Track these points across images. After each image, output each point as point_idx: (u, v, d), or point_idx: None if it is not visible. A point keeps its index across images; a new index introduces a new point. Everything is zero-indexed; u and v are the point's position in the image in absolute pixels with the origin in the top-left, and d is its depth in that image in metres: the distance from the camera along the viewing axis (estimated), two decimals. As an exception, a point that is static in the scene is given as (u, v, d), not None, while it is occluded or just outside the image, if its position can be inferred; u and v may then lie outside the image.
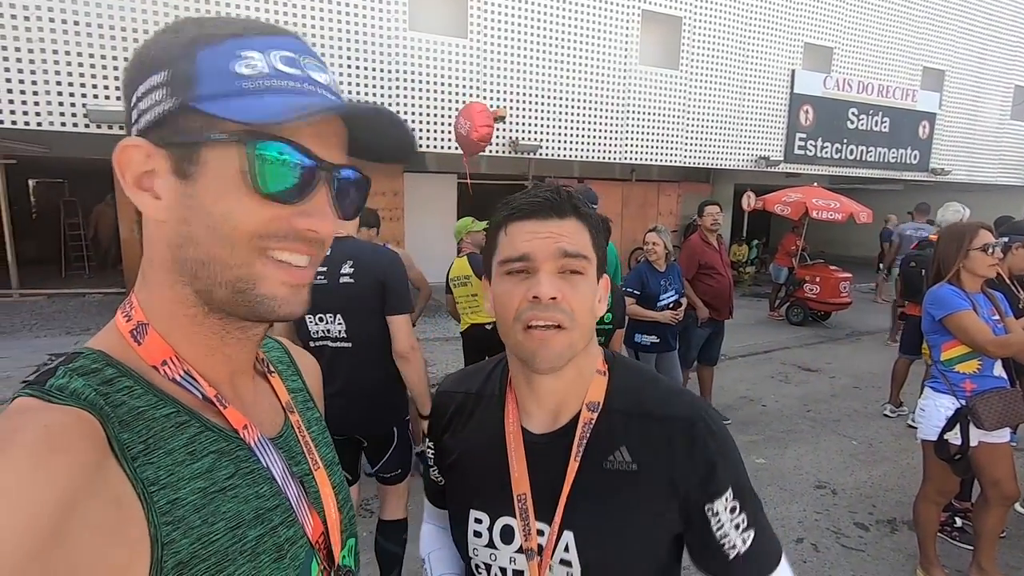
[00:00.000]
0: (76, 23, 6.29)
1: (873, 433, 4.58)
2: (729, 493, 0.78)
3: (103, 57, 6.43)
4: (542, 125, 8.95)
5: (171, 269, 0.51)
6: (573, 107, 9.14)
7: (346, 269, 2.07)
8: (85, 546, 0.40)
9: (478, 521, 0.84)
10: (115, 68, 6.47)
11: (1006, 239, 3.04)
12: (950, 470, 2.53)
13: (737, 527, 0.78)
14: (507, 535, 0.81)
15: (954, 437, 2.45)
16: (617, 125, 9.57)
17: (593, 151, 9.45)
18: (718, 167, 10.98)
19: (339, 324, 2.09)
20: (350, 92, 7.72)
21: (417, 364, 2.14)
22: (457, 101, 8.27)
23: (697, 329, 4.43)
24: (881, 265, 9.51)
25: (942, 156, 13.10)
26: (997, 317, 2.46)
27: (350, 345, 2.11)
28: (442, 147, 8.29)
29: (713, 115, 10.38)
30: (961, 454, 2.45)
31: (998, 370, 2.48)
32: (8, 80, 6.10)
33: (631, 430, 0.80)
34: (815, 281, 8.30)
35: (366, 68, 7.75)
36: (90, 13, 6.32)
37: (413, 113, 8.10)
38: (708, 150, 10.49)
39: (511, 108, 8.60)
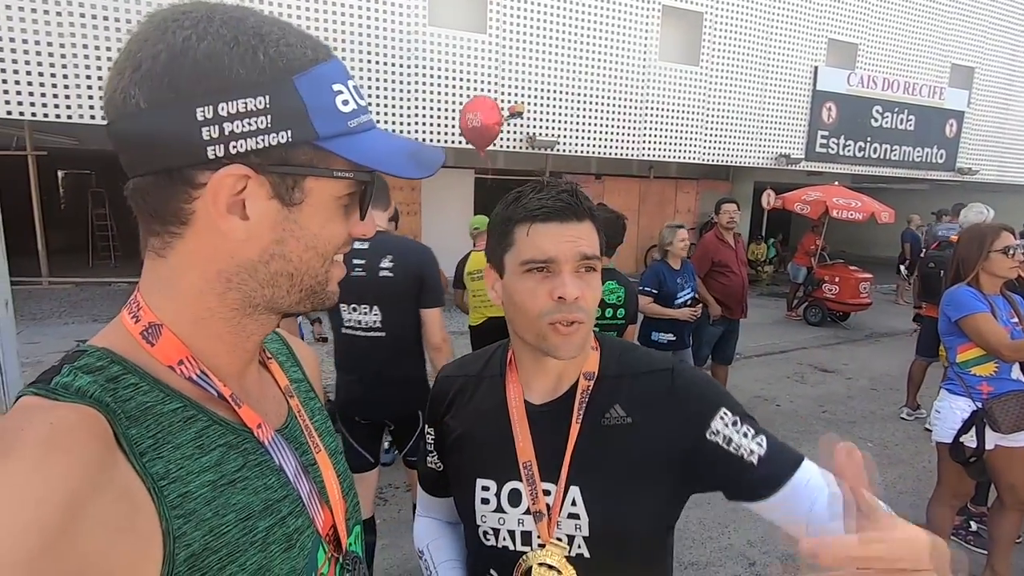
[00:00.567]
0: (106, 18, 6.45)
1: (889, 435, 4.53)
2: (723, 411, 0.83)
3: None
4: (560, 121, 8.94)
5: (222, 279, 0.53)
6: (591, 103, 9.11)
7: (385, 263, 2.16)
8: (96, 541, 0.41)
9: (485, 488, 0.89)
10: (142, 62, 6.62)
11: (1029, 241, 2.99)
12: (965, 473, 2.51)
13: (746, 435, 0.81)
14: (515, 498, 0.86)
15: (970, 440, 2.43)
16: (636, 121, 9.52)
17: (611, 147, 9.42)
18: (738, 164, 10.87)
19: (375, 315, 2.19)
20: (369, 87, 7.79)
21: (449, 355, 2.25)
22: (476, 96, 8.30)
23: (709, 327, 4.41)
24: (902, 267, 9.35)
25: (970, 155, 12.79)
26: (1016, 320, 2.43)
27: (384, 335, 2.21)
28: (460, 143, 8.33)
29: (733, 112, 10.27)
30: (976, 457, 2.42)
31: (1016, 373, 2.44)
32: (40, 74, 6.28)
33: (622, 389, 0.87)
34: (834, 281, 8.19)
35: (386, 63, 7.81)
36: (119, 8, 6.47)
37: (431, 108, 8.15)
38: (728, 147, 10.38)
39: (529, 104, 8.61)
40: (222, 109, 0.48)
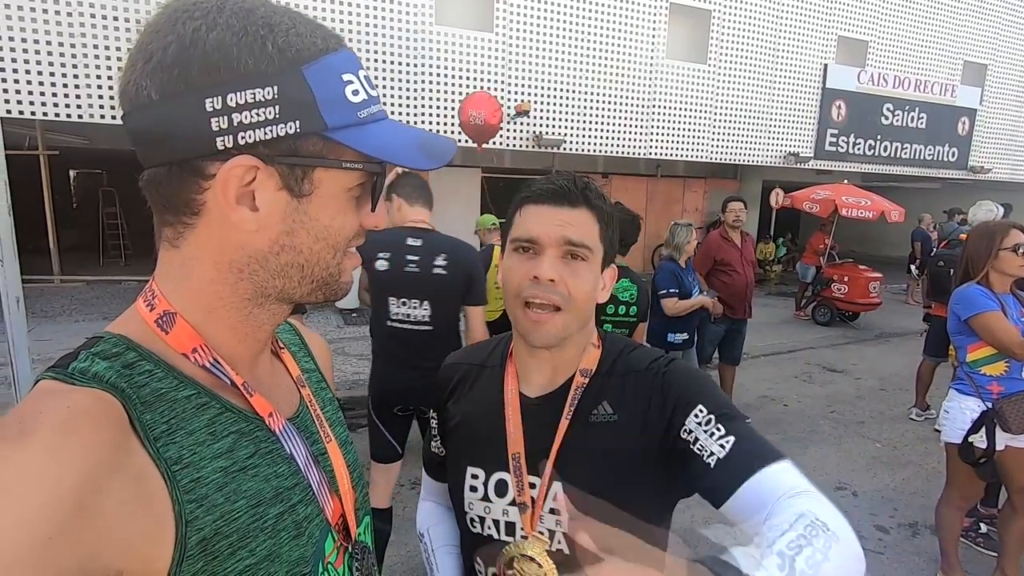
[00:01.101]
0: (115, 17, 6.50)
1: (898, 436, 4.49)
2: (699, 408, 0.78)
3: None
4: (567, 119, 8.93)
5: (234, 269, 0.54)
6: (598, 101, 9.08)
7: (439, 261, 2.28)
8: (111, 521, 0.42)
9: (474, 476, 0.90)
10: (152, 62, 6.67)
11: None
12: (974, 474, 2.48)
13: (712, 435, 0.76)
14: (501, 489, 0.87)
15: (979, 440, 2.40)
16: (643, 120, 9.48)
17: (618, 146, 9.39)
18: (746, 163, 10.80)
19: (424, 309, 2.29)
20: (376, 86, 7.80)
21: None
22: (482, 95, 8.30)
23: (711, 325, 4.38)
24: (912, 266, 9.26)
25: (982, 153, 12.64)
26: (1027, 319, 2.40)
27: (431, 328, 2.31)
28: (467, 141, 8.34)
29: (741, 110, 10.20)
30: (986, 458, 2.40)
31: (1027, 373, 2.42)
32: (52, 74, 6.34)
33: (614, 386, 0.86)
34: (843, 281, 8.12)
35: (393, 62, 7.82)
36: (128, 8, 6.52)
37: (438, 107, 8.16)
38: (736, 146, 10.32)
39: (536, 102, 8.59)
40: (231, 100, 0.48)
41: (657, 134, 9.65)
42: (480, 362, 0.98)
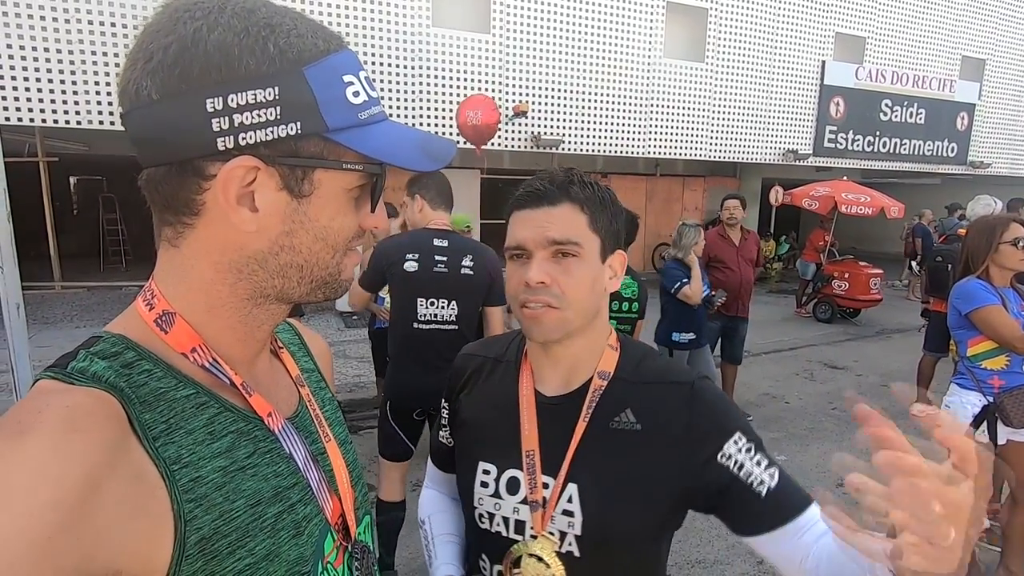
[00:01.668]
0: (114, 24, 6.52)
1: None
2: (738, 435, 0.80)
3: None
4: (565, 120, 8.93)
5: (233, 269, 0.54)
6: (596, 101, 9.08)
7: (467, 262, 2.35)
8: (111, 520, 0.42)
9: (486, 472, 0.89)
10: (150, 68, 6.69)
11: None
12: (976, 469, 2.48)
13: (759, 464, 0.78)
14: (512, 486, 0.86)
15: (981, 435, 2.40)
16: (641, 119, 9.48)
17: (617, 146, 9.39)
18: (745, 161, 10.80)
19: (451, 309, 2.35)
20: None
21: None
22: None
23: (707, 322, 4.39)
24: (913, 262, 9.26)
25: (982, 148, 12.63)
26: (1027, 313, 2.40)
27: (457, 328, 2.36)
28: (466, 142, 8.35)
29: (740, 108, 10.20)
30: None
31: (1028, 367, 2.41)
32: (51, 81, 6.36)
33: (637, 395, 0.85)
34: (844, 277, 8.11)
35: (390, 64, 7.83)
36: (127, 15, 6.54)
37: (436, 109, 8.16)
38: (734, 144, 10.32)
39: (533, 103, 8.60)
40: (232, 100, 0.48)
41: (656, 133, 9.65)
42: (496, 356, 0.98)
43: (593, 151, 9.31)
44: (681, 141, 9.88)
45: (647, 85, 9.42)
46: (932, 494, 0.44)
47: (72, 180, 14.52)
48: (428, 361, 2.33)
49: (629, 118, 9.38)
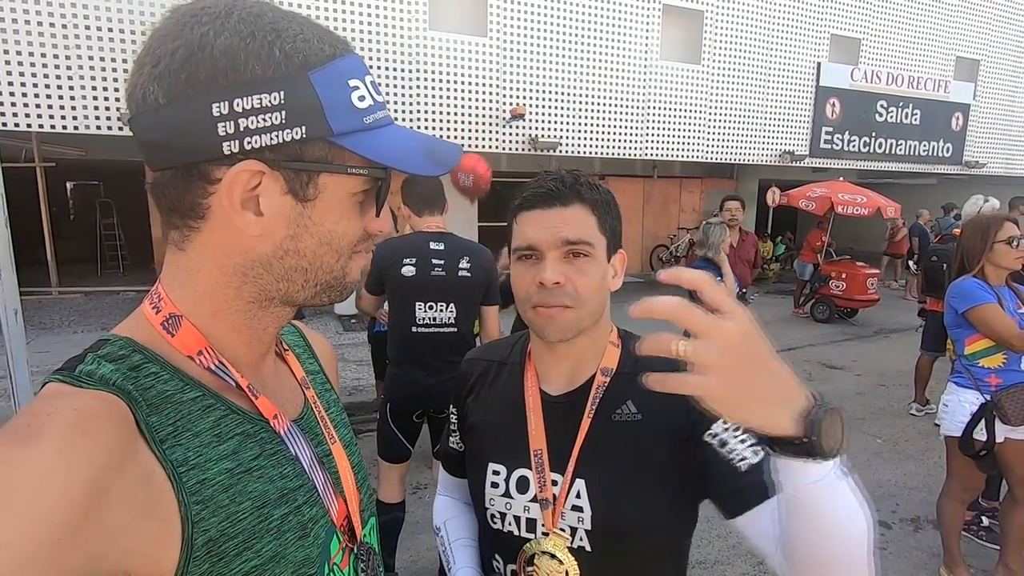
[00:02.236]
0: (111, 29, 6.52)
1: (899, 432, 4.50)
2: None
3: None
4: (562, 122, 8.95)
5: (238, 273, 0.54)
6: (593, 103, 9.11)
7: (464, 264, 2.34)
8: (119, 523, 0.42)
9: (496, 473, 0.90)
10: (147, 73, 6.69)
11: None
12: (975, 467, 2.49)
13: (743, 442, 0.76)
14: (522, 485, 0.87)
15: (979, 433, 2.41)
16: (638, 121, 9.50)
17: (614, 148, 9.41)
18: (742, 162, 10.82)
19: (450, 312, 2.35)
20: (372, 92, 7.81)
21: None
22: (477, 99, 8.33)
23: None
24: (911, 261, 9.29)
25: (977, 148, 12.68)
26: (1023, 310, 2.41)
27: (456, 330, 2.36)
28: (463, 144, 8.34)
29: (736, 110, 10.23)
30: (986, 450, 2.40)
31: (1025, 365, 2.42)
32: (47, 86, 6.35)
33: (637, 386, 0.85)
34: (841, 277, 8.14)
35: (387, 68, 7.84)
36: (124, 20, 6.54)
37: (433, 112, 8.18)
38: (731, 145, 10.34)
39: (531, 106, 8.62)
40: (237, 105, 0.48)
41: (653, 135, 9.68)
42: (500, 359, 0.99)
43: (590, 153, 9.33)
44: (678, 143, 9.90)
45: (644, 87, 9.44)
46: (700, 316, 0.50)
47: (69, 185, 14.51)
48: (428, 364, 2.33)
49: (626, 120, 9.40)
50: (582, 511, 0.82)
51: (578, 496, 0.83)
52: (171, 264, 0.56)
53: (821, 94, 10.80)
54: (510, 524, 0.88)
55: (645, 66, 9.40)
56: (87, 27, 6.42)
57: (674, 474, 0.82)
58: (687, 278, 0.51)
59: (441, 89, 8.17)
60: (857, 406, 5.05)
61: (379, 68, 7.80)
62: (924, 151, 12.02)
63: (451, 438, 1.04)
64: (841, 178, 8.89)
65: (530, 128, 8.69)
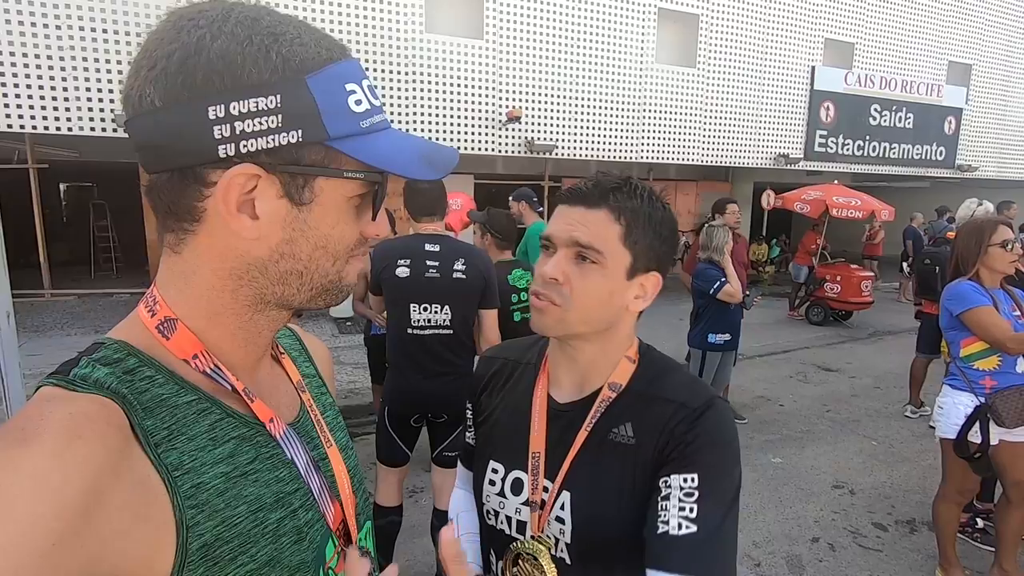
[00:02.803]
0: (104, 31, 6.49)
1: (894, 433, 4.51)
2: (695, 477, 0.75)
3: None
4: (558, 125, 8.97)
5: (234, 276, 0.54)
6: (589, 107, 9.13)
7: (459, 266, 2.32)
8: (114, 527, 0.42)
9: (494, 471, 0.91)
10: (142, 74, 6.67)
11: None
12: (970, 469, 2.49)
13: (683, 508, 0.73)
14: (516, 487, 0.88)
15: (974, 435, 2.42)
16: (634, 124, 9.54)
17: (609, 151, 9.44)
18: (737, 165, 10.88)
19: (445, 314, 2.33)
20: (368, 94, 7.81)
21: None
22: (474, 102, 8.34)
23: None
24: (905, 265, 9.34)
25: (970, 152, 12.79)
26: (1018, 313, 2.43)
27: (451, 332, 2.35)
28: (460, 147, 8.36)
29: (731, 113, 10.29)
30: (981, 453, 2.41)
31: (1020, 367, 2.43)
32: (41, 87, 6.32)
33: (640, 409, 0.84)
34: (836, 280, 8.17)
35: (384, 70, 7.85)
36: (118, 21, 6.52)
37: (430, 114, 8.18)
38: (726, 148, 10.39)
39: (527, 108, 8.63)
40: (233, 108, 0.48)
41: (648, 138, 9.71)
42: (516, 358, 0.99)
43: (586, 156, 9.36)
44: (673, 146, 9.94)
45: (639, 90, 9.48)
46: None
47: (62, 187, 14.41)
48: (425, 366, 2.33)
49: (622, 123, 9.43)
50: (564, 524, 0.82)
51: (562, 508, 0.82)
52: (166, 267, 0.55)
53: (815, 98, 10.87)
54: (502, 523, 0.89)
55: (641, 69, 9.43)
56: (81, 28, 6.39)
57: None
58: None
59: (437, 92, 8.17)
60: (852, 408, 5.06)
61: (375, 71, 7.79)
62: (917, 154, 12.12)
63: (467, 432, 1.04)
64: (836, 181, 8.94)
65: (526, 131, 8.71)
